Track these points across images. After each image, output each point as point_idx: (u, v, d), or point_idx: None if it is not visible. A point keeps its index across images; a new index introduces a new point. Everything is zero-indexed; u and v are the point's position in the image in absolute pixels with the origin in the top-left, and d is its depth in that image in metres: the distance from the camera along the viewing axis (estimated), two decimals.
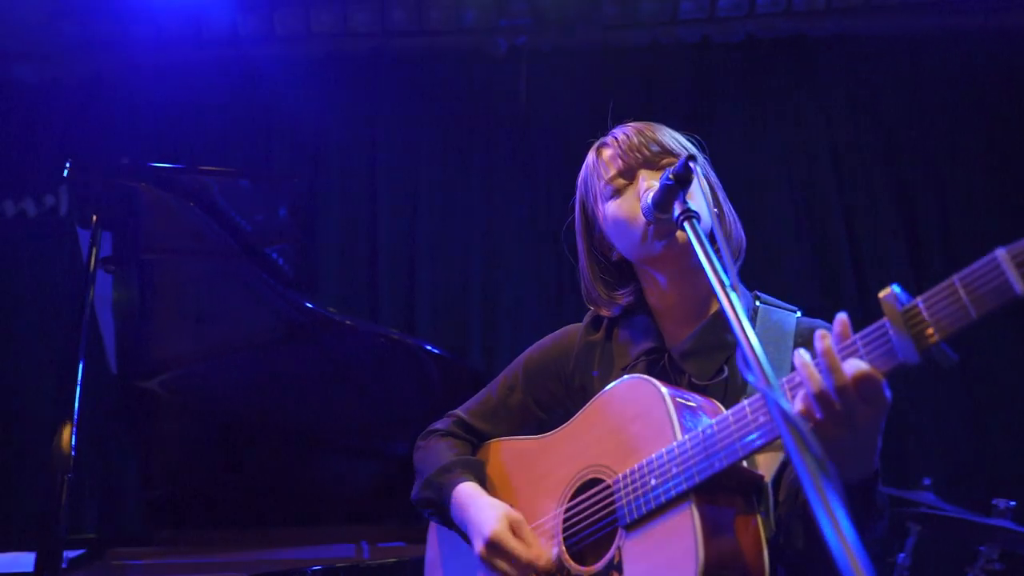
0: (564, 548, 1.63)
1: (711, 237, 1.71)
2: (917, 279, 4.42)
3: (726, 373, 1.63)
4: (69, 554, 3.01)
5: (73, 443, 2.28)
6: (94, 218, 2.56)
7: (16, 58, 4.80)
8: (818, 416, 1.26)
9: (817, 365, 1.26)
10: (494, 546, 1.62)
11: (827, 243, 4.64)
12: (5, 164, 4.57)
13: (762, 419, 1.36)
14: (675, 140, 1.76)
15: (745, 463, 1.43)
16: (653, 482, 1.48)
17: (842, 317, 1.28)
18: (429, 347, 3.39)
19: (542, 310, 4.60)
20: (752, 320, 1.69)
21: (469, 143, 4.77)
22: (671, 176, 1.51)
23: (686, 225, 1.46)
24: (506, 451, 1.88)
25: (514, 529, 1.64)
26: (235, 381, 3.39)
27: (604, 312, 1.83)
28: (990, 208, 4.61)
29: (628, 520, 1.51)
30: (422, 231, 4.73)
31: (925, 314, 1.19)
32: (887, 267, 4.54)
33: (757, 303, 1.74)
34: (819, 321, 1.71)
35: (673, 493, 1.44)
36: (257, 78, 4.78)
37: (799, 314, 1.73)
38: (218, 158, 4.63)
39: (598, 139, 1.82)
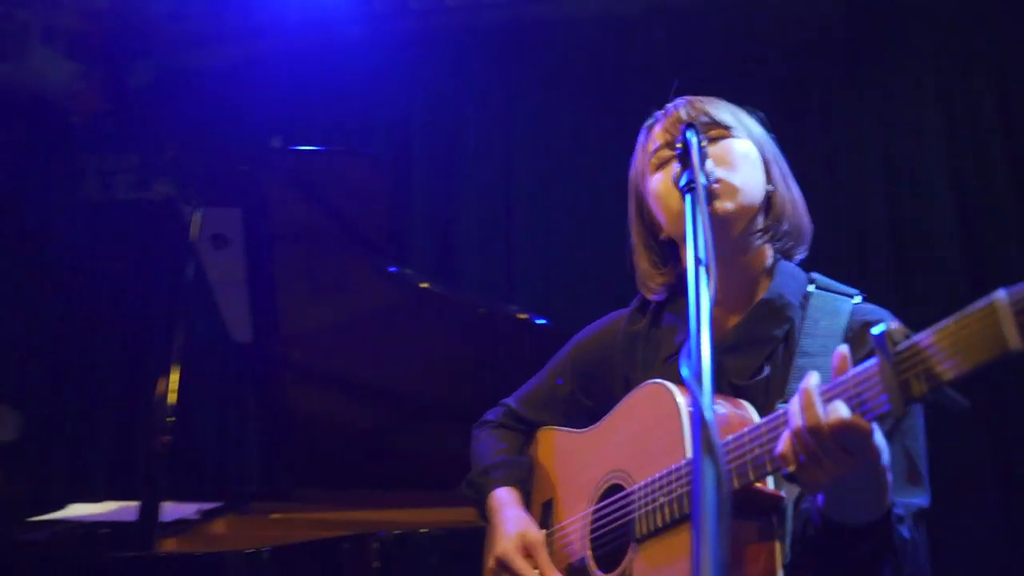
0: (591, 552, 1.61)
1: (764, 212, 1.61)
2: None
3: (767, 372, 1.52)
4: (205, 506, 3.29)
5: (173, 407, 2.48)
6: (197, 197, 2.73)
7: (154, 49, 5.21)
8: (799, 459, 1.16)
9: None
10: (501, 563, 1.66)
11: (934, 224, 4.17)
12: (163, 151, 4.94)
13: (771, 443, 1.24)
14: (730, 113, 1.67)
15: (771, 482, 1.32)
16: (661, 500, 1.43)
17: (841, 351, 1.16)
18: (542, 320, 3.44)
19: None
20: (803, 307, 1.57)
21: (605, 108, 4.66)
22: (678, 144, 1.44)
23: (687, 197, 1.36)
24: (554, 441, 1.87)
25: (528, 550, 1.65)
26: (363, 353, 3.59)
27: (649, 295, 1.76)
28: None
29: (638, 535, 1.47)
30: (557, 202, 4.69)
31: (916, 360, 1.05)
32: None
33: (811, 287, 1.61)
34: (878, 309, 1.57)
35: (678, 514, 1.39)
36: (392, 55, 4.89)
37: (858, 299, 1.59)
38: (358, 137, 4.82)
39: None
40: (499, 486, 1.80)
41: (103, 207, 5.09)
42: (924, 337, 1.04)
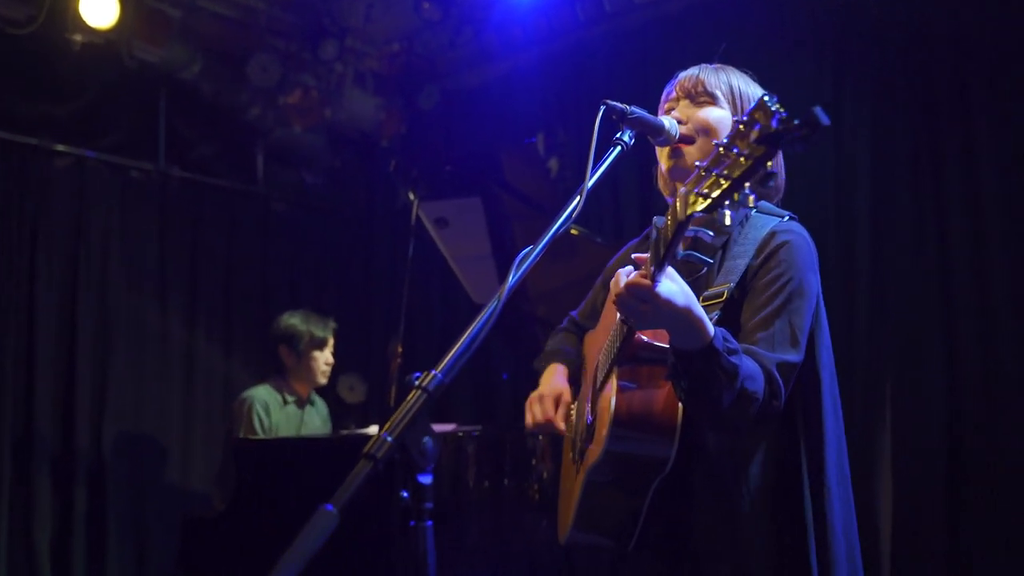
0: (590, 407, 2.10)
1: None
2: None
3: (704, 271, 1.98)
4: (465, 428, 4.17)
5: (400, 354, 3.38)
6: (411, 194, 3.63)
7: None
8: (624, 310, 1.69)
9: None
10: (538, 397, 2.22)
11: None
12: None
13: None
14: (724, 84, 2.08)
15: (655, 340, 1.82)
16: (601, 358, 2.00)
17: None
18: None
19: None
20: (742, 224, 2.00)
21: (776, 80, 4.79)
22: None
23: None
24: (587, 339, 2.40)
25: (557, 399, 2.20)
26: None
27: None
28: None
29: (597, 386, 2.02)
30: None
31: (659, 235, 1.56)
32: None
33: (753, 211, 2.01)
34: (795, 226, 1.98)
35: (609, 365, 1.93)
36: (623, 47, 5.53)
37: (786, 218, 2.00)
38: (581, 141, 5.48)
39: None
40: (555, 362, 2.32)
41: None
42: (661, 219, 1.54)
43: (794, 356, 1.83)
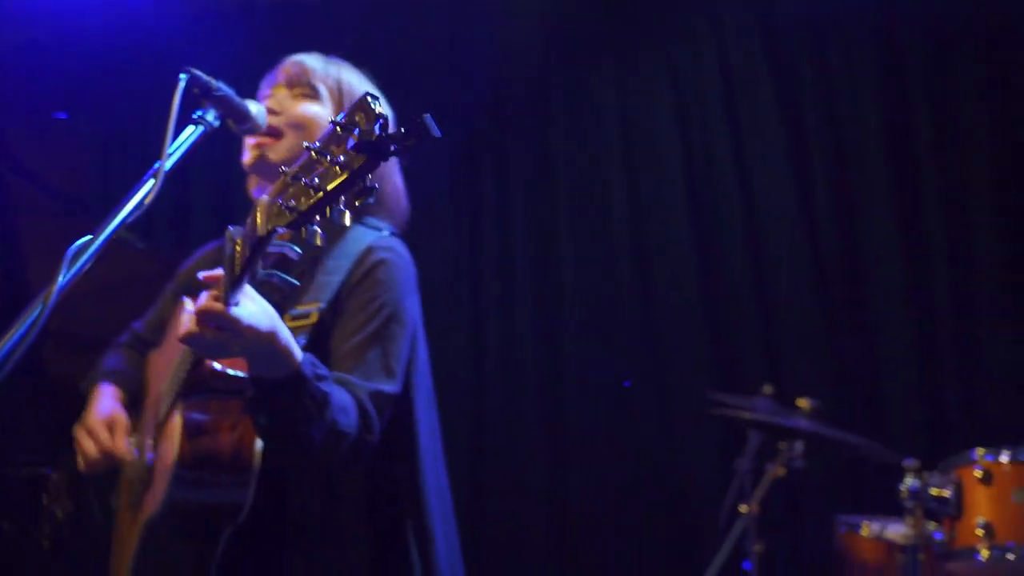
0: (152, 442, 1.79)
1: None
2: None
3: (296, 283, 1.74)
4: None
5: None
6: None
7: None
8: (195, 340, 1.39)
9: None
10: (87, 431, 1.83)
11: None
12: None
13: None
14: (334, 77, 1.89)
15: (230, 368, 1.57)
16: (165, 387, 1.71)
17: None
18: None
19: None
20: (335, 239, 1.77)
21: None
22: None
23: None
24: (153, 359, 2.03)
25: (111, 426, 1.83)
26: (115, 316, 3.76)
27: None
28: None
29: (160, 419, 1.72)
30: None
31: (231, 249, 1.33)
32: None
33: (352, 224, 1.81)
34: (395, 242, 1.82)
35: (174, 395, 1.64)
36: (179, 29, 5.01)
37: (385, 233, 1.84)
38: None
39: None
40: (108, 383, 1.95)
41: None
42: (239, 229, 1.32)
43: (390, 386, 1.67)
